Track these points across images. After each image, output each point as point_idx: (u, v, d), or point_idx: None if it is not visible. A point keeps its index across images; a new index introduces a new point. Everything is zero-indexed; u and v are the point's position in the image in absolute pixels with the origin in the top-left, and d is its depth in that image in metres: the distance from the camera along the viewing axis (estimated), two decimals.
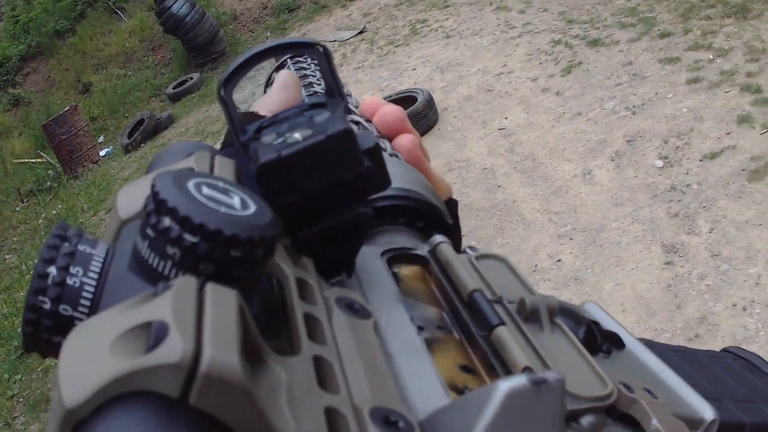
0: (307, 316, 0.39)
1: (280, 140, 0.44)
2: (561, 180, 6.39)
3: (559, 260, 5.52)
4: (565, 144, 6.86)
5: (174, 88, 12.98)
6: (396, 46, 10.70)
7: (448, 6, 11.34)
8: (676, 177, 5.88)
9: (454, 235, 0.69)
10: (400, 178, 0.61)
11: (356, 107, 0.76)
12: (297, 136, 0.44)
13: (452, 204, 0.74)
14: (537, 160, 6.79)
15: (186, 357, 0.27)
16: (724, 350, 0.90)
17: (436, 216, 0.63)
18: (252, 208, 0.37)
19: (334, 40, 11.85)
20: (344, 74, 10.31)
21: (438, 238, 0.56)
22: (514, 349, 0.43)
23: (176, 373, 0.27)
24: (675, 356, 0.76)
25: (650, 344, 0.67)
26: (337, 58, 11.02)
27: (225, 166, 0.44)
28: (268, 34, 13.83)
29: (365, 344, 0.39)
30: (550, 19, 9.57)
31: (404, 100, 8.02)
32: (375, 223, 0.57)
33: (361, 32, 11.86)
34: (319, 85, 0.78)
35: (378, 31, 11.59)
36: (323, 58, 0.50)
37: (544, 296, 0.52)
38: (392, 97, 8.18)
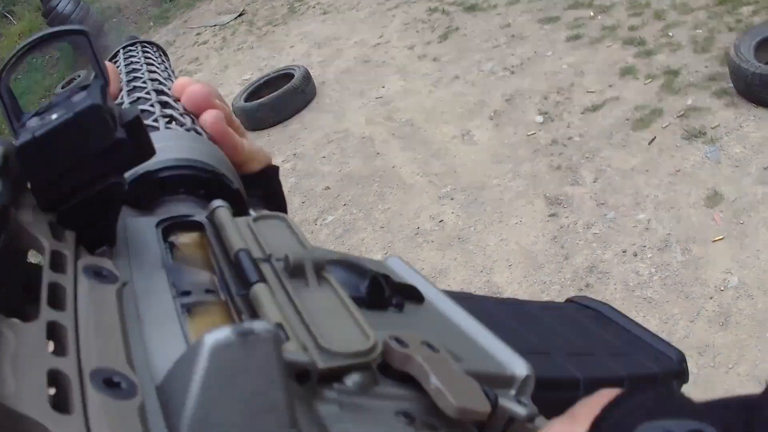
0: (52, 284, 0.39)
1: (40, 123, 0.46)
2: (440, 143, 6.25)
3: (441, 221, 5.35)
4: (443, 107, 6.73)
5: (62, 88, 12.55)
6: (275, 26, 10.54)
7: None
8: (557, 131, 5.77)
9: (273, 199, 0.83)
10: (183, 149, 0.65)
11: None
12: (53, 116, 0.45)
13: (271, 171, 0.83)
14: (415, 125, 6.64)
15: None
16: (569, 300, 0.91)
17: (219, 182, 0.65)
18: None
19: (215, 25, 11.70)
20: (224, 57, 10.23)
21: (215, 203, 0.56)
22: (266, 306, 0.43)
23: None
24: (499, 309, 0.78)
25: (466, 297, 0.69)
26: (217, 42, 10.90)
27: None
28: (151, 24, 13.64)
29: (104, 309, 0.40)
30: None
31: (282, 77, 7.99)
32: (156, 194, 0.61)
33: (240, 15, 11.71)
34: (141, 71, 0.85)
35: (257, 13, 11.44)
36: (86, 42, 0.51)
37: (315, 250, 0.51)
38: (270, 75, 8.20)
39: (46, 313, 0.36)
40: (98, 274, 0.42)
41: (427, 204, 5.58)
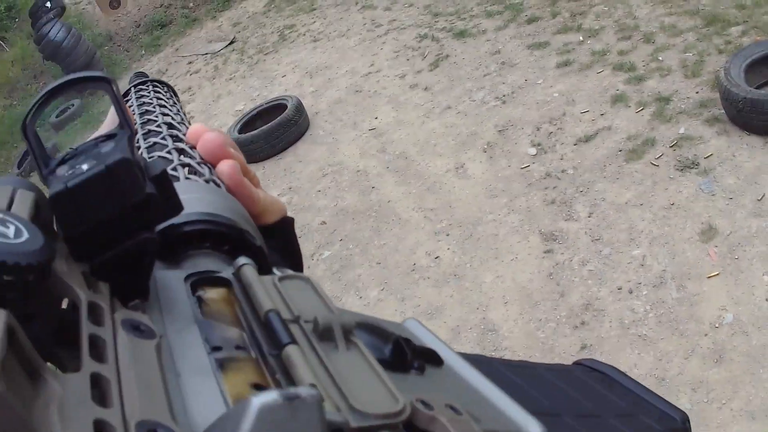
0: (92, 336, 0.40)
1: (70, 172, 0.46)
2: (434, 176, 6.25)
3: (437, 257, 5.35)
4: (436, 139, 6.74)
5: (57, 116, 12.56)
6: (265, 54, 10.55)
7: (315, 9, 11.31)
8: (551, 163, 5.77)
9: (288, 251, 0.84)
10: (207, 203, 0.65)
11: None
12: (84, 167, 0.46)
13: (287, 222, 0.83)
14: (409, 158, 6.65)
15: None
16: (577, 363, 0.91)
17: (242, 238, 0.65)
18: (25, 236, 0.39)
19: (206, 53, 11.69)
20: (217, 86, 10.21)
21: (241, 260, 0.57)
22: (300, 367, 0.43)
23: None
24: (510, 372, 0.79)
25: (479, 360, 0.72)
26: (209, 71, 10.89)
27: (24, 200, 0.45)
28: (143, 52, 13.65)
29: (144, 363, 0.40)
30: (415, 14, 9.51)
31: (274, 108, 7.98)
32: (182, 248, 0.61)
33: (231, 43, 11.71)
34: (154, 113, 0.85)
35: (247, 40, 11.46)
36: (110, 90, 0.51)
37: (342, 314, 0.51)
38: (263, 106, 8.18)
39: (89, 365, 0.37)
40: (136, 329, 0.43)
41: (423, 240, 5.58)
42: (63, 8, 13.20)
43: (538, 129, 6.22)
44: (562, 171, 5.62)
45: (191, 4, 14.25)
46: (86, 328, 0.40)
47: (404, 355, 0.54)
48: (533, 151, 5.98)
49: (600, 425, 0.76)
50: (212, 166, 0.75)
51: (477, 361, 0.61)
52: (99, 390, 0.36)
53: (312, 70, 9.31)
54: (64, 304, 0.43)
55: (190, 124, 0.85)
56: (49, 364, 0.37)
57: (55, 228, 0.46)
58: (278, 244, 0.80)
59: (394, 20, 9.60)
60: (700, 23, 6.69)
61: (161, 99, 0.90)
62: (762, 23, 6.33)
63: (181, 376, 0.43)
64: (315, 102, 8.38)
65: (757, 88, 5.18)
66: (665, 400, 0.84)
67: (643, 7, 7.37)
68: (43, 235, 0.40)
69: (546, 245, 5.01)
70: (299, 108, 7.81)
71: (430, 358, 0.56)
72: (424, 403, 0.44)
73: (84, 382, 0.36)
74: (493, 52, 7.72)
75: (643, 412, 0.82)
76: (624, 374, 0.89)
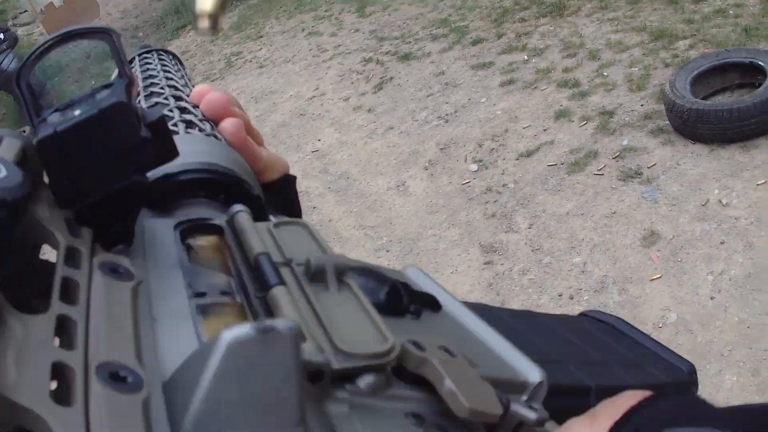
0: (66, 279, 0.39)
1: (62, 118, 0.45)
2: (375, 195, 6.20)
3: None
4: (378, 159, 6.71)
5: None
6: (212, 81, 10.53)
7: (262, 36, 11.41)
8: (492, 178, 5.72)
9: (289, 207, 0.85)
10: (204, 153, 0.65)
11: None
12: (76, 112, 0.45)
13: (289, 180, 0.86)
14: (351, 177, 6.61)
15: None
16: (582, 314, 0.91)
17: (239, 188, 0.65)
18: (2, 173, 0.38)
19: None
20: None
21: (236, 207, 0.56)
22: (284, 307, 0.43)
23: None
24: (513, 320, 0.79)
25: (482, 308, 0.71)
26: None
27: (10, 145, 0.44)
28: (93, 82, 13.56)
29: (117, 305, 0.40)
30: (361, 39, 9.55)
31: None
32: (175, 196, 0.61)
33: None
34: (157, 77, 0.84)
35: (195, 68, 11.50)
36: (111, 42, 0.51)
37: (336, 256, 0.51)
38: None
39: (57, 307, 0.36)
40: (114, 271, 0.42)
41: (363, 257, 5.41)
42: (16, 39, 13.30)
43: (480, 146, 6.18)
44: (503, 185, 5.57)
45: (141, 34, 14.35)
46: (60, 270, 0.40)
47: (399, 298, 0.53)
48: (474, 167, 5.94)
49: (604, 373, 0.75)
50: (215, 123, 0.75)
51: (479, 308, 0.60)
52: (65, 332, 0.36)
53: (257, 95, 9.32)
54: (45, 253, 0.43)
55: (189, 84, 0.87)
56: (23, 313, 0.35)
57: (45, 178, 0.45)
58: (279, 201, 0.80)
59: (340, 45, 9.65)
60: (647, 38, 6.71)
61: (166, 65, 0.91)
62: (710, 36, 6.34)
63: (157, 321, 0.43)
64: (259, 126, 8.06)
65: (703, 98, 5.16)
66: (673, 352, 0.85)
67: (589, 25, 7.40)
68: (23, 174, 0.39)
69: (486, 257, 4.94)
70: None
71: (427, 303, 0.55)
72: (415, 344, 0.44)
73: (48, 324, 0.35)
74: (437, 74, 7.72)
75: (649, 362, 0.82)
76: (631, 325, 0.89)
